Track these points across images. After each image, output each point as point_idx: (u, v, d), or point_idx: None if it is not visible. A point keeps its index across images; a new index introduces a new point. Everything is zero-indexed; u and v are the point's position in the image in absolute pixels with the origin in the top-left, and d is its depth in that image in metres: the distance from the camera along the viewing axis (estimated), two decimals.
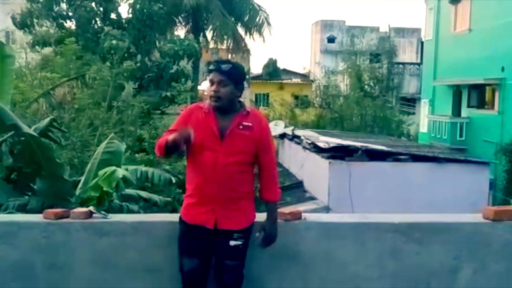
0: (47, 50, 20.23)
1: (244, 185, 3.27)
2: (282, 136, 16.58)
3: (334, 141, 12.66)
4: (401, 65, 32.86)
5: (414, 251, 3.51)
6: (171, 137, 3.09)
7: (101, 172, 5.78)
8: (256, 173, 3.37)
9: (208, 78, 3.29)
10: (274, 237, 3.35)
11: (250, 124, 3.25)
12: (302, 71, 36.31)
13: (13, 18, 21.33)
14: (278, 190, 3.39)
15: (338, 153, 11.29)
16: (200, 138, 3.20)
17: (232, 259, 3.25)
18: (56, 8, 21.29)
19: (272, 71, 39.11)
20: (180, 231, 3.32)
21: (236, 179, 3.21)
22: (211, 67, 3.28)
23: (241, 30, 25.21)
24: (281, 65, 40.18)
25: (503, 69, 18.11)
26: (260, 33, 25.18)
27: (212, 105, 3.23)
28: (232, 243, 3.23)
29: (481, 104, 20.12)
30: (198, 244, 3.24)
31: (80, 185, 6.24)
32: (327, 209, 10.56)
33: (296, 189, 12.96)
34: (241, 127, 3.23)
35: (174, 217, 3.45)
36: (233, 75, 3.25)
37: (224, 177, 3.17)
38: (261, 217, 3.38)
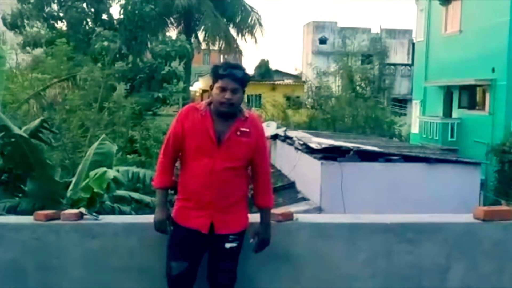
0: (38, 51, 20.14)
1: (240, 189, 3.24)
2: (274, 137, 16.54)
3: (326, 142, 12.67)
4: (392, 66, 33.03)
5: (406, 251, 3.52)
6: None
7: (91, 173, 5.75)
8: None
9: (218, 83, 3.11)
10: (268, 241, 3.33)
11: (247, 130, 3.18)
12: (294, 72, 36.39)
13: (3, 19, 21.25)
14: (272, 196, 3.38)
15: (330, 154, 11.29)
16: (196, 142, 3.15)
17: (226, 261, 3.24)
18: (47, 9, 21.24)
19: (264, 72, 39.04)
20: (171, 233, 3.27)
21: (232, 184, 3.18)
22: (222, 71, 3.13)
23: (233, 31, 25.25)
24: (273, 66, 40.12)
25: (493, 70, 18.19)
26: (252, 34, 25.24)
27: (223, 111, 3.13)
28: (227, 245, 3.21)
29: (472, 105, 20.20)
30: (190, 247, 3.20)
31: (71, 186, 6.20)
32: (319, 210, 10.56)
33: (288, 190, 12.94)
34: (238, 133, 3.16)
35: None
36: (244, 82, 3.18)
37: (220, 182, 3.14)
38: (253, 217, 3.37)
